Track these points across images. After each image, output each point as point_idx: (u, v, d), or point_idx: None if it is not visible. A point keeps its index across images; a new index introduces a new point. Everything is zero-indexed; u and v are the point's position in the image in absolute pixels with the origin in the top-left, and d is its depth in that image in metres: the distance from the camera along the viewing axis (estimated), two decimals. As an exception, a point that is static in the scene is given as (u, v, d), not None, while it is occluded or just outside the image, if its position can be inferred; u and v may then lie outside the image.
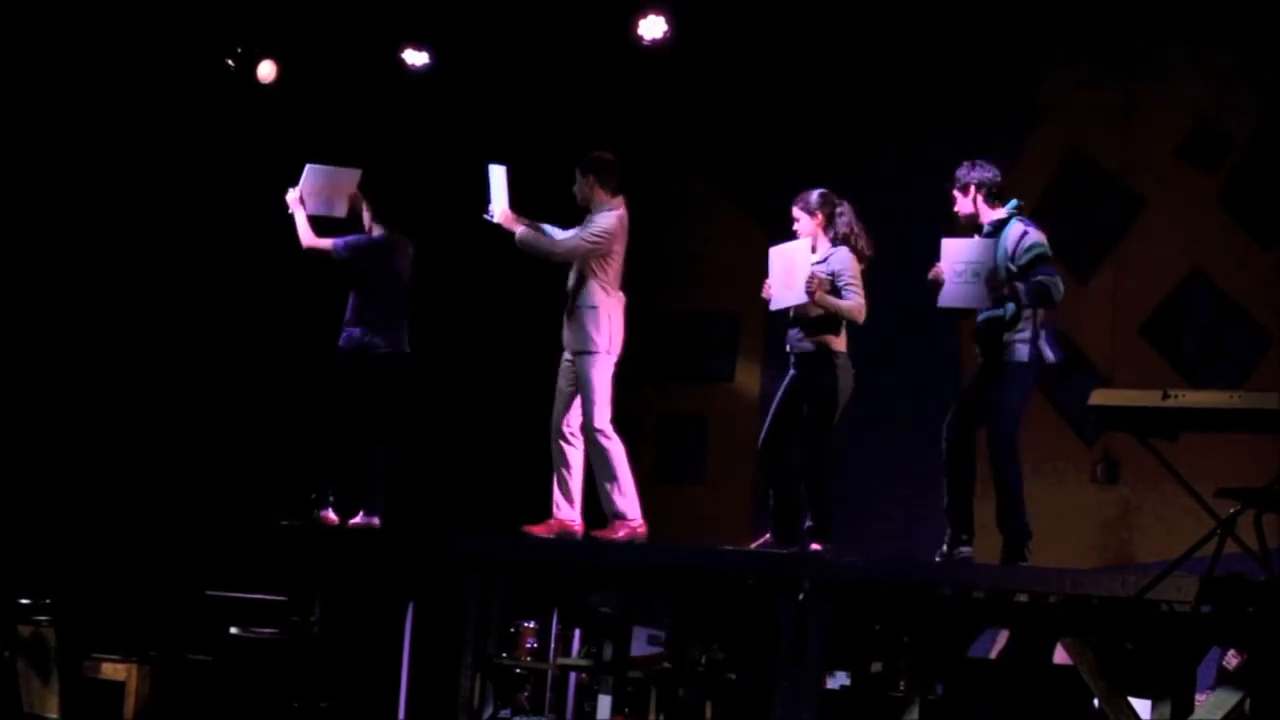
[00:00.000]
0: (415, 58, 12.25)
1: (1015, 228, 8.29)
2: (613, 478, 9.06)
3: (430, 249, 10.59)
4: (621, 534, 9.01)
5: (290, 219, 10.16)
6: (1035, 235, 8.26)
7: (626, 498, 9.07)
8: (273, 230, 11.96)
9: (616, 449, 9.09)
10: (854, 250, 8.72)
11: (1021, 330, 8.21)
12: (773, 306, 8.84)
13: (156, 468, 11.74)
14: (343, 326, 9.98)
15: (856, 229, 8.76)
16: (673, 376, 12.89)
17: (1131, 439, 7.35)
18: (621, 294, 9.21)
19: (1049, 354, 8.22)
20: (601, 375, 9.11)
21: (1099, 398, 7.28)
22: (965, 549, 8.28)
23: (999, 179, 8.42)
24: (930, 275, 8.27)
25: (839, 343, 8.74)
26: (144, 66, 11.71)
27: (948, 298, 8.24)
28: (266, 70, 12.16)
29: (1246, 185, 10.74)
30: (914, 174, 11.44)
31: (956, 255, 8.22)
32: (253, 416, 12.02)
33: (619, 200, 9.23)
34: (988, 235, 8.34)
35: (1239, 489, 6.70)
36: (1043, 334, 8.20)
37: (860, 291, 8.67)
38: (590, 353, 9.10)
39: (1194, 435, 7.19)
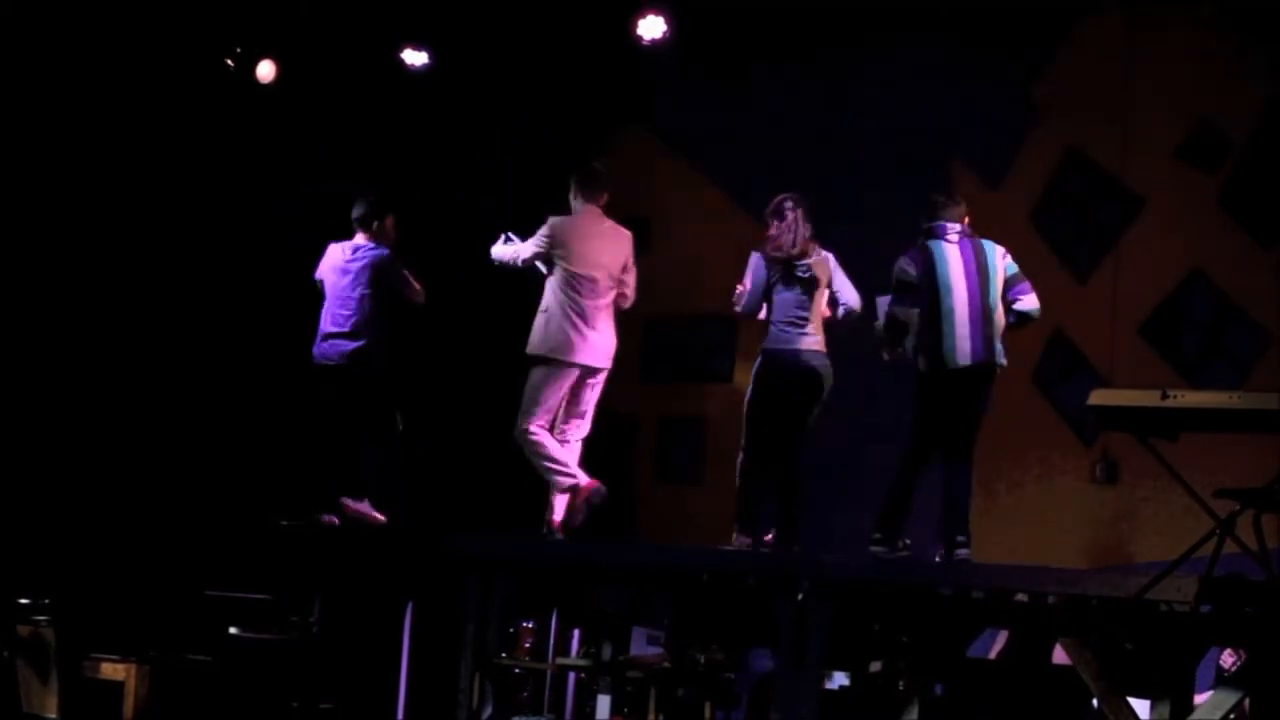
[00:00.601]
0: (415, 58, 12.25)
1: None
2: (547, 461, 9.29)
3: (431, 249, 10.59)
4: (581, 498, 9.19)
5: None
6: (897, 265, 8.65)
7: (567, 467, 9.29)
8: (272, 231, 11.99)
9: (539, 437, 9.30)
10: (763, 251, 9.07)
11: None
12: None
13: (155, 468, 11.73)
14: (327, 337, 10.05)
15: (777, 231, 9.03)
16: (671, 377, 12.88)
17: (1131, 439, 7.36)
18: (579, 297, 9.24)
19: (920, 363, 8.58)
20: (533, 379, 9.33)
21: (1098, 398, 7.29)
22: (962, 551, 8.31)
23: (933, 211, 8.70)
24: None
25: (765, 340, 9.12)
26: (144, 66, 11.70)
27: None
28: (266, 70, 12.16)
29: (1246, 185, 10.72)
30: (914, 174, 11.45)
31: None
32: (252, 417, 12.02)
33: (586, 207, 9.34)
34: None
35: (1238, 489, 6.70)
36: (917, 347, 8.61)
37: (743, 287, 9.10)
38: (528, 355, 9.30)
39: (1194, 435, 7.19)
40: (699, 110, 12.70)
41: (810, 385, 9.02)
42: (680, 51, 11.93)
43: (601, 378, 9.48)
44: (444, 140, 12.65)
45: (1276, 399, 6.77)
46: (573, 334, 9.26)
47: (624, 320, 9.72)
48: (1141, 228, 11.10)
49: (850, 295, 9.15)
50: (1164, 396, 6.98)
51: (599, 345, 9.36)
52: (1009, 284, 8.62)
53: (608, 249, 9.36)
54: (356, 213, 10.13)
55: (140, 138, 11.82)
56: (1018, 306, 8.62)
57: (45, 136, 11.50)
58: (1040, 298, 8.78)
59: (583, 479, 9.31)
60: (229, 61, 12.15)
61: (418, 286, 10.12)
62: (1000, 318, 8.59)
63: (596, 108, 12.79)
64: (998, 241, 8.83)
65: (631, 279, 9.48)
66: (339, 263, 10.10)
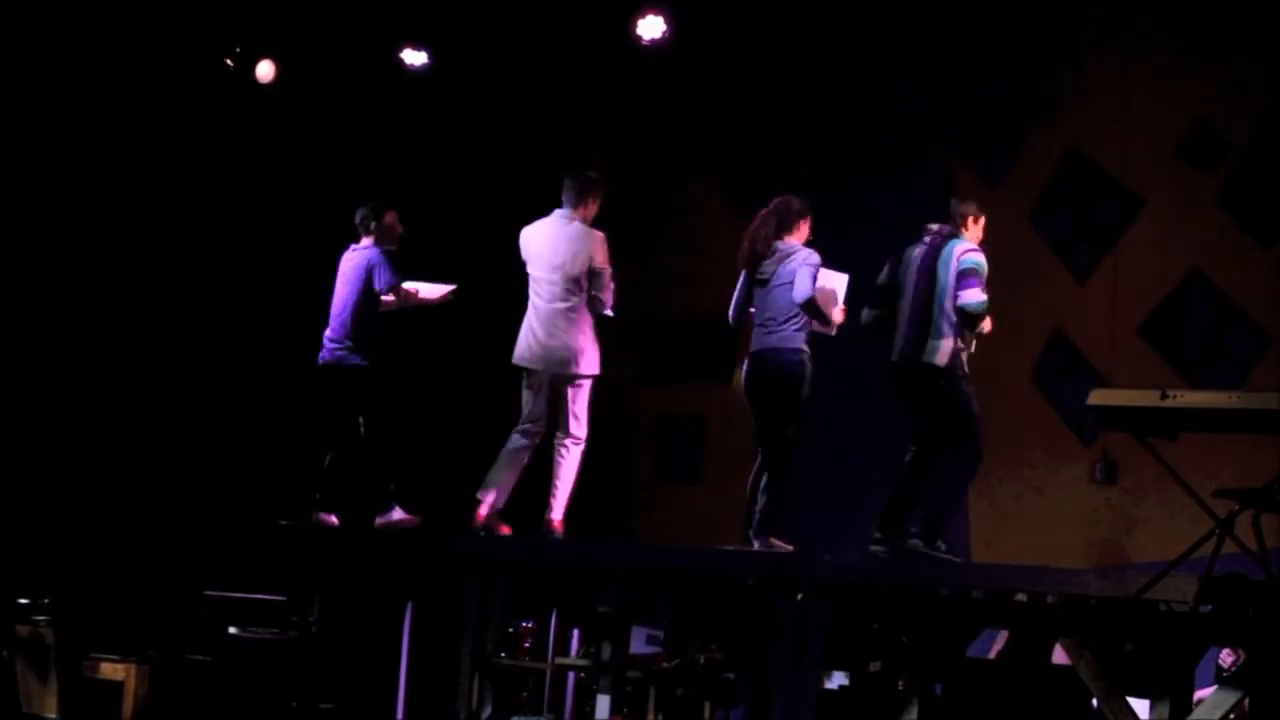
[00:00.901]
0: (414, 58, 12.25)
1: None
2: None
3: (431, 249, 10.58)
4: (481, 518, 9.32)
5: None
6: None
7: (490, 480, 9.38)
8: (271, 231, 11.99)
9: (508, 443, 9.43)
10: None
11: None
12: None
13: (155, 468, 11.74)
14: (336, 341, 10.04)
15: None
16: (671, 377, 12.88)
17: (1130, 439, 7.36)
18: (539, 301, 9.28)
19: None
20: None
21: (1098, 398, 7.29)
22: (914, 541, 8.34)
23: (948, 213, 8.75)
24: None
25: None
26: (144, 66, 11.71)
27: None
28: (265, 70, 12.16)
29: (1246, 185, 10.73)
30: (914, 175, 11.45)
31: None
32: (252, 417, 12.02)
33: (558, 211, 9.32)
34: None
35: (1238, 489, 6.71)
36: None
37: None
38: None
39: (1193, 435, 7.19)
40: (698, 110, 12.70)
41: (773, 384, 8.91)
42: (680, 51, 11.93)
43: (583, 384, 9.28)
44: (444, 140, 12.65)
45: (1276, 399, 6.77)
46: (529, 339, 9.24)
47: (624, 320, 9.68)
48: (1141, 228, 11.10)
49: (798, 289, 8.85)
50: (1163, 396, 6.98)
51: (554, 350, 9.22)
52: (957, 280, 8.53)
53: (568, 251, 9.20)
54: (357, 218, 10.15)
55: (140, 138, 11.82)
56: (958, 302, 8.52)
57: (45, 136, 11.51)
58: (1040, 297, 8.78)
59: (483, 506, 9.31)
60: (229, 61, 12.15)
61: (406, 290, 10.06)
62: (950, 316, 8.49)
63: (596, 108, 12.79)
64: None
65: (603, 281, 9.21)
66: (340, 267, 10.13)
